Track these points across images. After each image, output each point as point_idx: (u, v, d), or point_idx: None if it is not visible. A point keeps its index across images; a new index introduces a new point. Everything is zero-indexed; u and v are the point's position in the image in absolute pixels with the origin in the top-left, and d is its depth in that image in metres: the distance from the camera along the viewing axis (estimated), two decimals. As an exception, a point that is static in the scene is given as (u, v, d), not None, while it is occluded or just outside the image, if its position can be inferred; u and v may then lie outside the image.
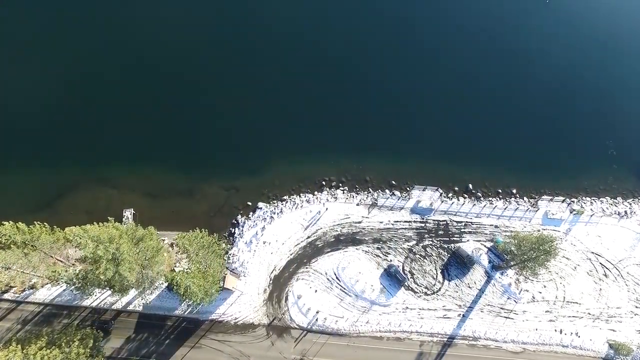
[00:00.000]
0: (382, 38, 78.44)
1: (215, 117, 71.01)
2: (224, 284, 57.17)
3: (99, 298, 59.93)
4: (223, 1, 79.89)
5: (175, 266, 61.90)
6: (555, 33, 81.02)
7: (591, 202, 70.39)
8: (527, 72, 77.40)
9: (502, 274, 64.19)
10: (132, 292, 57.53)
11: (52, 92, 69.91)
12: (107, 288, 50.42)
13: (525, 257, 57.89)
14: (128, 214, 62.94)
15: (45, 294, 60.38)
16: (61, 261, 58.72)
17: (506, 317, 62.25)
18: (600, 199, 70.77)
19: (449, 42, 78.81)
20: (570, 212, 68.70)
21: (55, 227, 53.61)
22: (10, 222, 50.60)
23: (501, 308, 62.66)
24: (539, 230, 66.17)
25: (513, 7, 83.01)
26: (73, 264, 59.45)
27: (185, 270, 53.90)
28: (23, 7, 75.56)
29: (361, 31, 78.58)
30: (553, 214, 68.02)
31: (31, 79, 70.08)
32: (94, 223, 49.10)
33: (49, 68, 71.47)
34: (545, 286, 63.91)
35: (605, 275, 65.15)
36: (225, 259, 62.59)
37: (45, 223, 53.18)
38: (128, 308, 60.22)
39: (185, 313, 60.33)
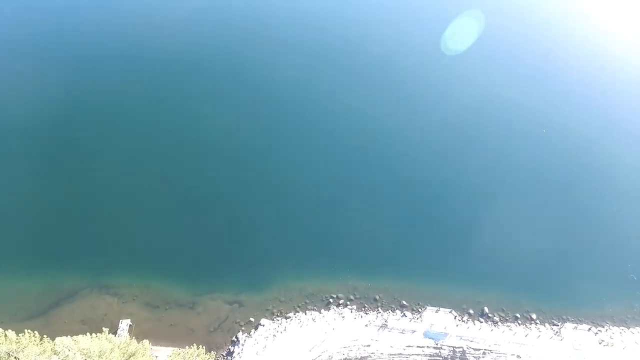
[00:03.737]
0: (391, 153, 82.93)
1: (222, 229, 71.78)
2: (216, 412, 51.16)
3: None
4: (237, 110, 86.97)
5: (165, 388, 56.30)
6: (561, 166, 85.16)
7: (620, 333, 64.99)
8: (541, 198, 79.43)
9: (530, 414, 56.53)
10: (113, 418, 51.34)
11: (56, 198, 72.18)
12: (86, 411, 45.35)
13: (554, 394, 51.55)
14: (124, 325, 59.74)
15: (18, 416, 54.21)
16: (43, 377, 54.06)
17: None
18: (630, 329, 65.47)
19: (463, 159, 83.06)
20: (599, 343, 63.05)
21: (45, 336, 50.67)
22: None
23: None
24: (566, 363, 60.13)
25: (514, 133, 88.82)
26: (55, 381, 54.56)
27: (175, 394, 48.83)
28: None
29: (368, 142, 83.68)
30: (580, 345, 62.41)
31: (33, 184, 73.10)
32: (87, 334, 46.59)
33: (51, 177, 74.77)
34: None
35: (651, 422, 56.87)
36: (221, 382, 57.08)
37: (35, 332, 50.46)
38: None
39: None
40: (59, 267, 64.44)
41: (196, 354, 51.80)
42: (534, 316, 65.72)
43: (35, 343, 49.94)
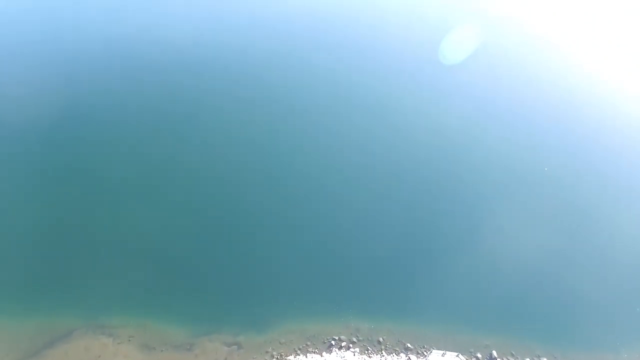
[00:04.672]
0: (392, 192, 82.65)
1: (221, 268, 70.71)
2: None
3: None
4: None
5: None
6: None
7: (638, 380, 61.82)
8: (552, 238, 78.59)
9: None
10: None
11: (50, 234, 71.62)
12: None
13: None
14: (118, 368, 57.70)
15: None
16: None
17: None
18: (649, 377, 62.28)
19: (463, 195, 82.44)
20: (616, 392, 59.86)
21: (35, 379, 49.00)
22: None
23: None
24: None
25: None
26: None
27: None
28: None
29: (367, 180, 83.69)
30: (595, 393, 59.22)
31: (26, 219, 72.83)
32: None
33: (45, 211, 74.40)
34: None
35: None
36: None
37: (25, 375, 48.80)
38: None
39: None
40: (53, 306, 63.15)
41: (191, 400, 49.48)
42: (545, 361, 62.92)
43: (25, 386, 48.19)
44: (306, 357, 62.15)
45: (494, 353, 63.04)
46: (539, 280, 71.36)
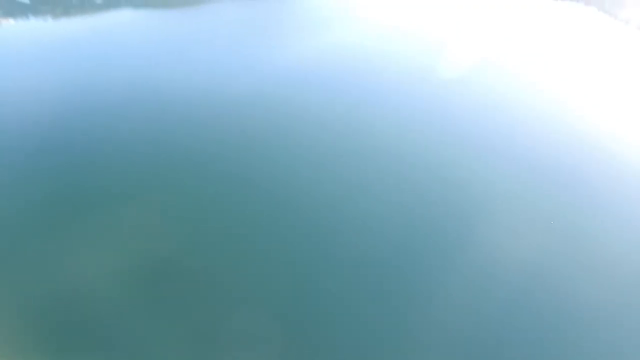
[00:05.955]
0: (391, 234, 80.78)
1: (213, 323, 68.62)
2: None
3: None
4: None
5: None
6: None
7: None
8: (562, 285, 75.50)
9: None
10: None
11: (41, 290, 70.91)
12: None
13: None
14: None
15: None
16: None
17: None
18: None
19: (468, 237, 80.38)
20: None
21: None
22: None
23: None
24: None
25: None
26: None
27: None
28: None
29: (382, 233, 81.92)
30: None
31: (18, 269, 72.07)
32: None
33: (36, 263, 73.58)
34: None
35: None
36: None
37: None
38: None
39: None
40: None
41: None
42: None
43: None
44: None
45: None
46: (557, 328, 68.17)
